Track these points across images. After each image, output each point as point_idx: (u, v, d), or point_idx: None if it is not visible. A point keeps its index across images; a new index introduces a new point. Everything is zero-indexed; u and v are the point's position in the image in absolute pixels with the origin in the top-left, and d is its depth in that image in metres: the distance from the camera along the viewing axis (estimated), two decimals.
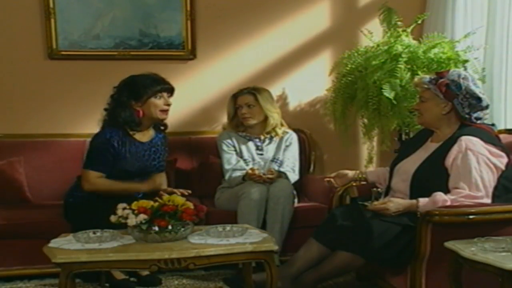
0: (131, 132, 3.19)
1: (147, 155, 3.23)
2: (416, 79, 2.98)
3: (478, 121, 2.75)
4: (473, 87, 2.72)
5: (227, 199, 3.54)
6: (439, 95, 2.74)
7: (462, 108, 2.72)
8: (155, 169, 3.28)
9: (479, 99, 2.72)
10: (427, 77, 2.85)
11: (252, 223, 3.19)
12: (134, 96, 3.16)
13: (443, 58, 3.66)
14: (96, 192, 3.10)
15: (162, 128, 3.36)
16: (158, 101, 3.18)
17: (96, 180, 3.11)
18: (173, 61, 4.08)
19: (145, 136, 3.26)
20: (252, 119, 3.69)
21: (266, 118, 3.70)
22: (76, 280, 2.77)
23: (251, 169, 3.52)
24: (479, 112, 2.75)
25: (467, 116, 2.73)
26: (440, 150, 2.73)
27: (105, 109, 3.23)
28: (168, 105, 3.22)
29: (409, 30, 3.88)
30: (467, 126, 2.74)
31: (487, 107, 2.77)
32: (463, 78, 2.74)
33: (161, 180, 3.31)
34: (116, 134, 3.14)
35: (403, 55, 3.66)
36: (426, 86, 2.79)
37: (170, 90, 3.24)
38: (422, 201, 2.61)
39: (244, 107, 3.69)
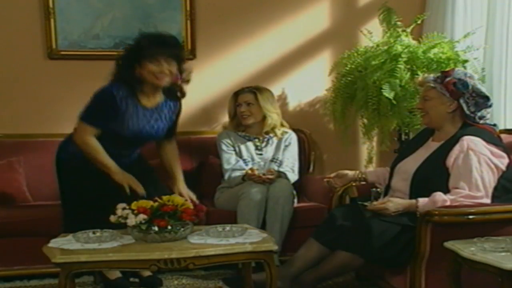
0: (138, 93, 2.93)
1: (146, 122, 2.98)
2: (420, 78, 2.97)
3: (481, 121, 2.75)
4: (479, 86, 2.74)
5: (227, 199, 3.54)
6: (445, 94, 2.73)
7: (468, 106, 2.72)
8: (151, 137, 3.04)
9: (486, 98, 2.72)
10: (431, 75, 2.85)
11: (251, 223, 3.19)
12: (135, 55, 2.90)
13: (442, 58, 3.66)
14: (81, 149, 2.90)
15: (178, 95, 3.07)
16: (153, 67, 2.87)
17: (88, 137, 2.89)
18: None
19: (150, 101, 2.98)
20: (250, 117, 3.68)
21: (264, 118, 3.70)
22: (77, 280, 2.77)
23: (251, 169, 3.52)
24: (483, 111, 2.74)
25: (471, 115, 2.73)
26: (441, 149, 2.73)
27: (116, 60, 2.99)
28: (163, 72, 2.88)
29: (408, 30, 3.87)
30: (469, 125, 2.74)
31: (491, 105, 2.77)
32: (469, 77, 2.74)
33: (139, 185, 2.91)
34: (122, 91, 2.89)
35: (403, 55, 3.66)
36: (431, 85, 2.78)
37: (172, 57, 2.90)
38: (422, 201, 2.61)
39: (243, 105, 3.69)
